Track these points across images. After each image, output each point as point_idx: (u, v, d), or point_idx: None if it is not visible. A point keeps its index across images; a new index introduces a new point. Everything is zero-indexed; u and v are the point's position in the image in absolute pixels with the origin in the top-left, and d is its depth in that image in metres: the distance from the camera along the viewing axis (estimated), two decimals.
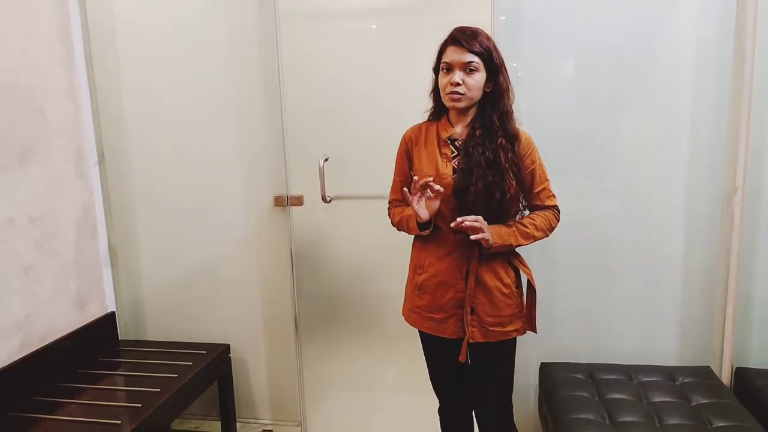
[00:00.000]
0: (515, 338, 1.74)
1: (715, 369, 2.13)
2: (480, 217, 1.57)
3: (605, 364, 2.17)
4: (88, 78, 2.29)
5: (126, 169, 2.44)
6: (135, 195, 2.46)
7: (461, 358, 1.70)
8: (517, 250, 1.73)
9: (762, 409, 1.88)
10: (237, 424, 2.44)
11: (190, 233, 2.46)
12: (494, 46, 1.64)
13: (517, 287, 1.72)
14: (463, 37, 1.60)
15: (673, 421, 1.79)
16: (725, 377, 2.12)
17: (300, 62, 2.26)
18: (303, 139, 2.31)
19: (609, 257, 2.22)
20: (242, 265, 2.45)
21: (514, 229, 1.66)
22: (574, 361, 2.20)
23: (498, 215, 1.65)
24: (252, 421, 2.56)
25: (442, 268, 1.69)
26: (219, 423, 2.40)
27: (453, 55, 1.61)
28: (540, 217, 1.71)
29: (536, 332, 1.78)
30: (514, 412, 1.87)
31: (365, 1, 2.26)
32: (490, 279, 1.67)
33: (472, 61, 1.59)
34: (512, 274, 1.71)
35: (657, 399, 1.93)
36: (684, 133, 2.10)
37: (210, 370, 2.21)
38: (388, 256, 2.30)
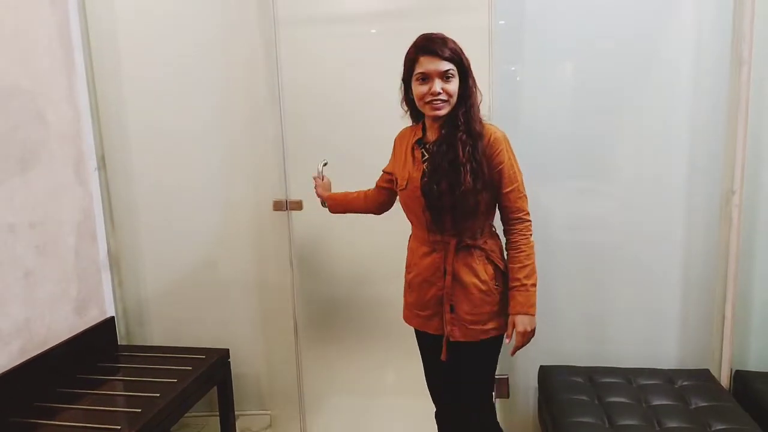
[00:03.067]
0: (498, 337, 1.73)
1: (714, 372, 2.14)
2: (519, 335, 1.66)
3: (605, 367, 2.18)
4: (88, 83, 2.30)
5: (125, 175, 2.44)
6: (134, 200, 2.46)
7: (443, 357, 1.74)
8: (494, 245, 1.73)
9: (761, 411, 1.88)
10: (236, 427, 2.44)
11: (189, 238, 2.46)
12: (461, 49, 1.65)
13: (497, 284, 1.71)
14: (435, 46, 1.61)
15: (672, 424, 1.79)
16: (724, 380, 2.12)
17: (300, 67, 2.26)
18: (303, 144, 2.32)
19: (608, 260, 2.22)
20: (241, 270, 2.45)
21: (520, 284, 1.66)
22: (573, 365, 2.21)
23: (465, 212, 1.64)
24: (252, 425, 2.55)
25: (424, 266, 1.75)
26: (219, 427, 2.40)
27: (429, 64, 1.61)
28: (519, 252, 1.69)
29: (501, 334, 1.73)
30: (497, 411, 1.89)
31: (365, 6, 2.28)
32: (466, 275, 1.69)
33: (449, 69, 1.61)
34: (490, 270, 1.70)
35: (656, 402, 1.93)
36: (682, 136, 2.11)
37: (209, 375, 2.21)
38: (386, 260, 2.31)
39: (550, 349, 2.28)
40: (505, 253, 1.75)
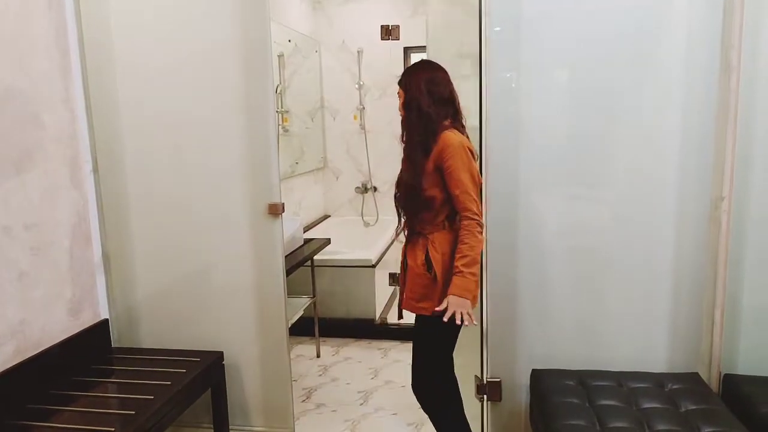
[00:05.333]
0: (429, 317, 2.01)
1: (703, 375, 2.16)
2: (443, 305, 1.93)
3: (595, 370, 2.20)
4: (83, 86, 2.31)
5: (120, 178, 2.44)
6: (129, 203, 2.46)
7: (398, 317, 2.22)
8: (439, 236, 2.03)
9: (749, 414, 1.91)
10: (230, 431, 2.45)
11: (183, 241, 2.47)
12: (408, 73, 2.09)
13: (427, 270, 2.02)
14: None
15: (662, 427, 1.81)
16: (713, 383, 2.15)
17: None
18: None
19: (599, 265, 2.25)
20: (236, 273, 2.46)
21: (458, 270, 1.93)
22: (565, 368, 2.23)
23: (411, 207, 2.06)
24: (245, 427, 2.56)
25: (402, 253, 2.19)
26: (212, 430, 2.40)
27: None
28: (462, 243, 1.95)
29: (430, 315, 2.00)
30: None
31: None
32: (410, 260, 2.10)
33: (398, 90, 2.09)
34: (422, 257, 2.04)
35: (646, 405, 1.95)
36: (673, 143, 2.14)
37: (203, 378, 2.22)
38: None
39: (542, 353, 2.30)
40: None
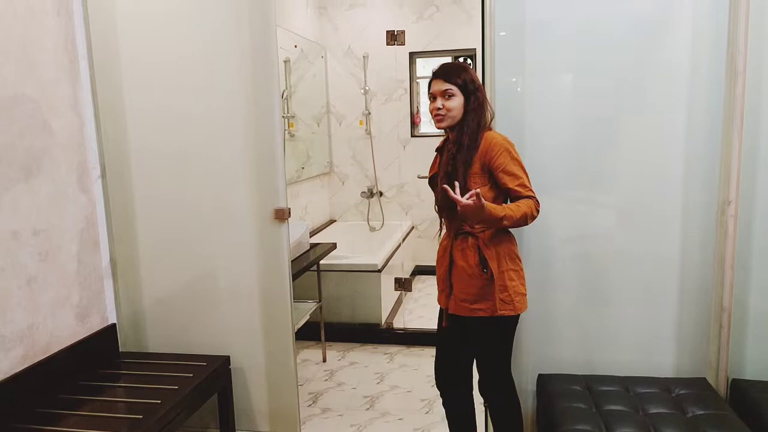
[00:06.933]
0: (488, 318, 1.96)
1: (711, 380, 2.15)
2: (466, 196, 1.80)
3: (602, 375, 2.19)
4: (92, 92, 2.33)
5: (127, 183, 2.46)
6: (136, 208, 2.48)
7: (444, 323, 2.09)
8: (490, 234, 1.97)
9: (757, 419, 1.90)
10: None
11: (190, 246, 2.48)
12: (469, 75, 1.98)
13: (483, 270, 1.95)
14: (441, 71, 2.00)
15: None
16: (721, 389, 2.14)
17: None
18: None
19: (606, 270, 2.24)
20: (242, 277, 2.47)
21: (495, 207, 1.85)
22: (571, 373, 2.22)
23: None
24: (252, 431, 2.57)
25: (440, 250, 2.11)
26: None
27: (434, 86, 2.00)
28: (518, 206, 1.89)
29: (497, 313, 1.95)
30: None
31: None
32: (460, 259, 1.99)
33: (448, 89, 1.96)
34: (475, 257, 1.96)
35: (653, 410, 1.95)
36: (679, 147, 2.14)
37: (210, 382, 2.22)
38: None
39: (549, 358, 2.29)
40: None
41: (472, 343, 2.07)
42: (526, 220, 1.89)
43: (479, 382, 2.11)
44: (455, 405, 2.21)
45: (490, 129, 2.01)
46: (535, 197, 1.92)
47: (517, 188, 1.91)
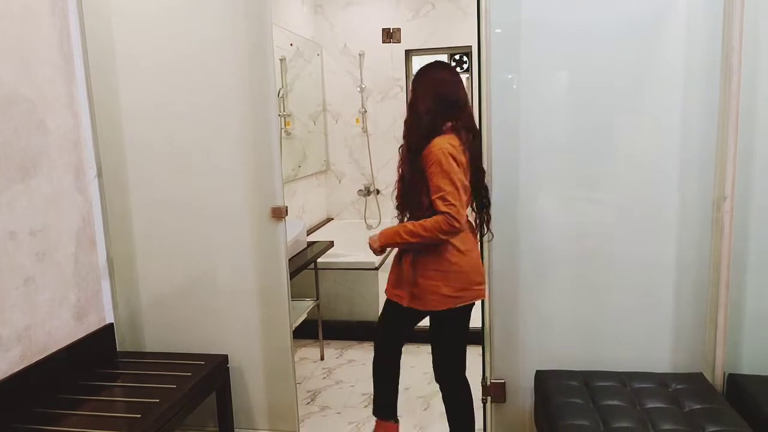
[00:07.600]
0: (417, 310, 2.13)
1: (707, 375, 2.16)
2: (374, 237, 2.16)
3: (599, 371, 2.20)
4: (87, 91, 2.32)
5: (124, 182, 2.46)
6: (132, 207, 2.48)
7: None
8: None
9: (753, 413, 1.91)
10: None
11: (187, 245, 2.48)
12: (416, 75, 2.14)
13: (398, 262, 2.16)
14: None
15: (666, 427, 1.81)
16: (717, 383, 2.15)
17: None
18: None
19: (603, 266, 2.25)
20: (239, 276, 2.47)
21: (399, 229, 2.04)
22: (569, 369, 2.23)
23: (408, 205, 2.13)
24: (250, 430, 2.57)
25: None
26: None
27: None
28: (429, 221, 1.97)
29: (410, 305, 2.12)
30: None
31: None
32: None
33: None
34: (410, 254, 2.12)
35: (650, 405, 1.96)
36: (675, 144, 2.14)
37: (208, 381, 2.23)
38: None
39: (546, 354, 2.30)
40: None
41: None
42: (437, 236, 1.96)
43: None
44: (446, 397, 2.25)
45: (445, 134, 2.01)
46: (448, 213, 1.92)
47: (435, 200, 1.95)
